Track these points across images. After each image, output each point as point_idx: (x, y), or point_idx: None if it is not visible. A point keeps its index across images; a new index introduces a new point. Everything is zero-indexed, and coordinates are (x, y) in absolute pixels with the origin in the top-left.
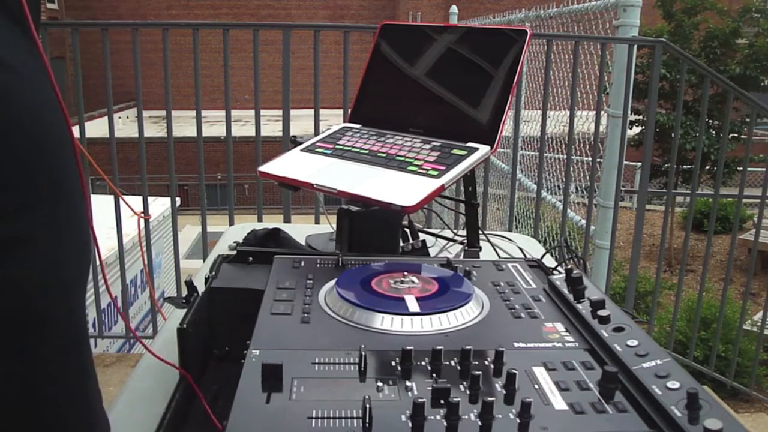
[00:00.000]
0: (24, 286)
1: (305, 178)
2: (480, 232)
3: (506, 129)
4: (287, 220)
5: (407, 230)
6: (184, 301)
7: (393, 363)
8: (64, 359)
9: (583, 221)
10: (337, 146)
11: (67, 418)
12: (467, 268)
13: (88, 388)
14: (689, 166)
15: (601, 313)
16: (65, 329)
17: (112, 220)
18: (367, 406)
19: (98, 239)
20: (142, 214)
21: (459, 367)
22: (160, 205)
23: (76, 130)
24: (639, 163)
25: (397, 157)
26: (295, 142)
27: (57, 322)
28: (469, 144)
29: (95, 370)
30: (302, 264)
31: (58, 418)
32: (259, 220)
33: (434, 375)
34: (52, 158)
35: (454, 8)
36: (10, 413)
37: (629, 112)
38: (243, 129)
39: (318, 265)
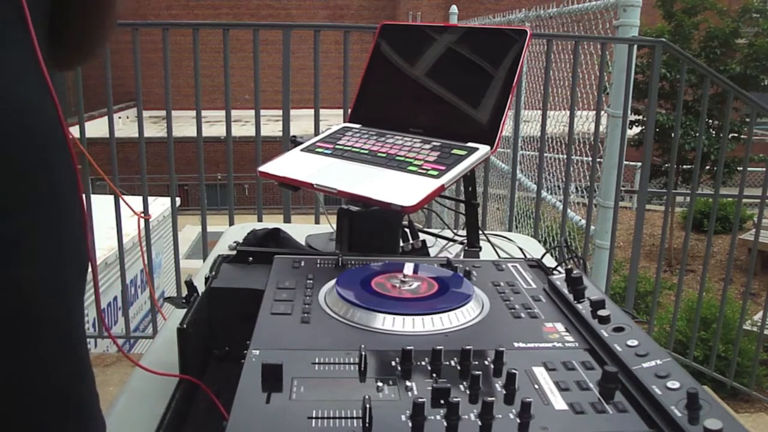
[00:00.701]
0: (22, 286)
1: (305, 178)
2: (480, 232)
3: (506, 129)
4: (287, 220)
5: (407, 230)
6: (184, 301)
7: (393, 363)
8: (62, 359)
9: (583, 221)
10: (337, 146)
11: (64, 418)
12: (467, 268)
13: (85, 389)
14: (689, 166)
15: (601, 313)
16: (63, 329)
17: (112, 220)
18: (367, 406)
19: (98, 239)
20: (142, 214)
21: (459, 367)
22: (160, 205)
23: (76, 130)
24: (639, 163)
25: (397, 157)
26: (295, 142)
27: (55, 322)
28: (469, 144)
29: (92, 370)
30: (302, 264)
31: (54, 418)
32: (259, 220)
33: (434, 375)
34: (49, 159)
35: (454, 8)
36: (6, 412)
37: (629, 112)
38: (243, 129)
39: (318, 265)
